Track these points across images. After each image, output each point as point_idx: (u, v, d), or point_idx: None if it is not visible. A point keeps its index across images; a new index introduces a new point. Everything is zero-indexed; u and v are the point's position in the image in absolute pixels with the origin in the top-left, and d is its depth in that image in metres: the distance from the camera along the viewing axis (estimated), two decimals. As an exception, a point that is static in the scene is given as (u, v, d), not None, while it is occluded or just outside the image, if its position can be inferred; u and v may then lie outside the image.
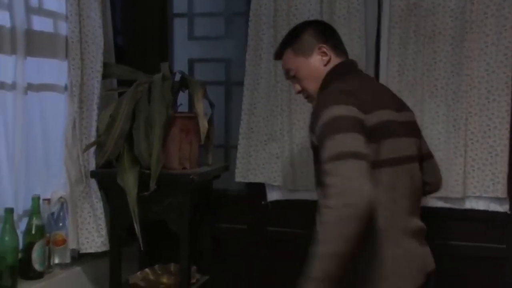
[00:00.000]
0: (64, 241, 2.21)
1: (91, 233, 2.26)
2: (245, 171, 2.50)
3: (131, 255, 2.54)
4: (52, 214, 2.18)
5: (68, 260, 2.25)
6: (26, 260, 2.04)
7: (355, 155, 1.35)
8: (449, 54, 2.25)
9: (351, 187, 1.30)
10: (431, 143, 2.22)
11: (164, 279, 2.32)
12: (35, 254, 2.05)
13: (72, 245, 2.22)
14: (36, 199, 2.06)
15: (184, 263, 2.24)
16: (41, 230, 2.07)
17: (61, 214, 2.20)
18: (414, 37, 2.27)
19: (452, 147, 2.25)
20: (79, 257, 2.31)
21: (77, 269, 2.28)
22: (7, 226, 1.92)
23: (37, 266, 2.05)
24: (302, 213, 2.49)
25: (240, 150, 2.50)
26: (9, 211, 1.92)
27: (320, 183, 1.50)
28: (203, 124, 2.20)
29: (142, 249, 2.13)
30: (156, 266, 2.44)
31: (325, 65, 1.70)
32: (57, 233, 2.19)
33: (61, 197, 2.19)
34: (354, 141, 1.39)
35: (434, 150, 2.17)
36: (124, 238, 2.31)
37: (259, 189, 2.52)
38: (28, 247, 2.04)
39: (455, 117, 2.24)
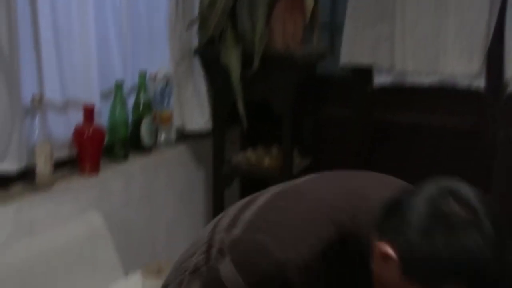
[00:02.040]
0: (169, 119, 2.32)
1: (194, 111, 2.35)
2: (351, 53, 2.44)
3: (233, 137, 2.63)
4: (158, 91, 2.28)
5: (173, 138, 2.37)
6: (135, 135, 2.17)
7: None
8: None
9: None
10: None
11: (266, 161, 2.39)
12: (144, 129, 2.17)
13: (177, 123, 2.32)
14: (143, 75, 2.16)
15: (286, 145, 2.28)
16: (148, 105, 2.18)
17: (167, 91, 2.29)
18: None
19: None
20: (183, 136, 2.43)
21: (182, 147, 2.41)
22: (117, 99, 2.04)
23: (145, 140, 2.19)
24: (412, 99, 2.44)
25: (346, 31, 2.42)
26: (119, 84, 2.03)
27: None
28: (309, 1, 2.14)
29: (245, 127, 2.18)
30: (259, 147, 2.51)
31: None
32: (163, 111, 2.30)
33: (166, 74, 2.27)
34: None
35: None
36: (227, 118, 2.39)
37: (365, 73, 2.46)
38: (137, 122, 2.17)
39: None
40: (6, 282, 1.40)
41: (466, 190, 0.91)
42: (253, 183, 2.62)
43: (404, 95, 2.44)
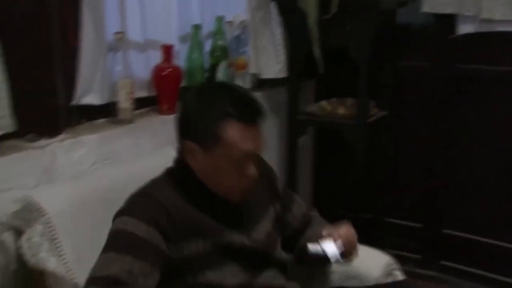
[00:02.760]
0: (245, 66, 2.35)
1: (270, 59, 2.37)
2: (434, 1, 2.35)
3: (308, 89, 2.63)
4: (234, 38, 2.32)
5: (248, 86, 2.41)
6: (211, 80, 2.22)
7: None
8: None
9: None
10: None
11: (341, 110, 2.37)
12: (219, 75, 2.22)
13: (252, 69, 2.35)
14: (219, 20, 2.19)
15: (362, 94, 2.26)
16: (224, 50, 2.22)
17: (243, 38, 2.32)
18: None
19: None
20: (258, 84, 2.46)
21: (257, 95, 2.41)
22: (194, 42, 2.09)
23: (221, 85, 2.23)
24: (498, 48, 2.34)
25: (430, -24, 2.34)
26: (197, 27, 2.08)
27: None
28: None
29: (321, 71, 2.18)
30: (333, 99, 2.50)
31: None
32: (239, 57, 2.34)
33: (242, 21, 2.29)
34: None
35: None
36: (302, 70, 2.39)
37: (448, 21, 2.37)
38: (213, 67, 2.21)
39: None
40: (88, 206, 1.47)
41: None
42: (327, 132, 2.64)
43: (489, 44, 2.33)
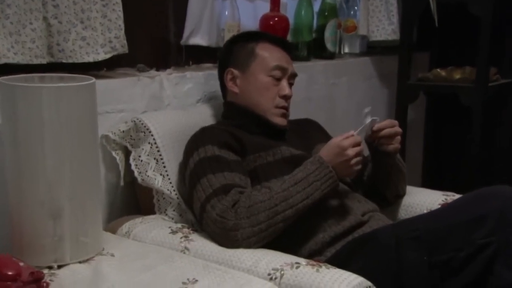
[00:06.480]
0: (354, 28, 2.36)
1: (381, 21, 2.36)
2: None
3: (421, 60, 2.60)
4: (346, 0, 2.35)
5: (357, 50, 2.42)
6: (319, 40, 2.25)
7: None
8: None
9: None
10: None
11: (457, 75, 2.31)
12: (328, 33, 2.23)
13: (362, 31, 2.36)
14: (330, -24, 2.22)
15: (483, 54, 2.18)
16: (333, 9, 2.24)
17: (352, 0, 2.35)
18: None
19: None
20: (367, 51, 2.46)
21: (366, 59, 2.44)
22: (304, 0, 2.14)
23: (329, 45, 2.25)
24: None
25: None
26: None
27: None
28: None
29: (436, 25, 2.14)
30: (449, 68, 2.44)
31: None
32: (348, 19, 2.36)
33: (354, -21, 2.32)
34: None
35: None
36: (416, 33, 2.36)
37: None
38: (321, 28, 2.24)
39: None
40: (189, 135, 1.53)
41: None
42: (440, 99, 2.57)
43: None
